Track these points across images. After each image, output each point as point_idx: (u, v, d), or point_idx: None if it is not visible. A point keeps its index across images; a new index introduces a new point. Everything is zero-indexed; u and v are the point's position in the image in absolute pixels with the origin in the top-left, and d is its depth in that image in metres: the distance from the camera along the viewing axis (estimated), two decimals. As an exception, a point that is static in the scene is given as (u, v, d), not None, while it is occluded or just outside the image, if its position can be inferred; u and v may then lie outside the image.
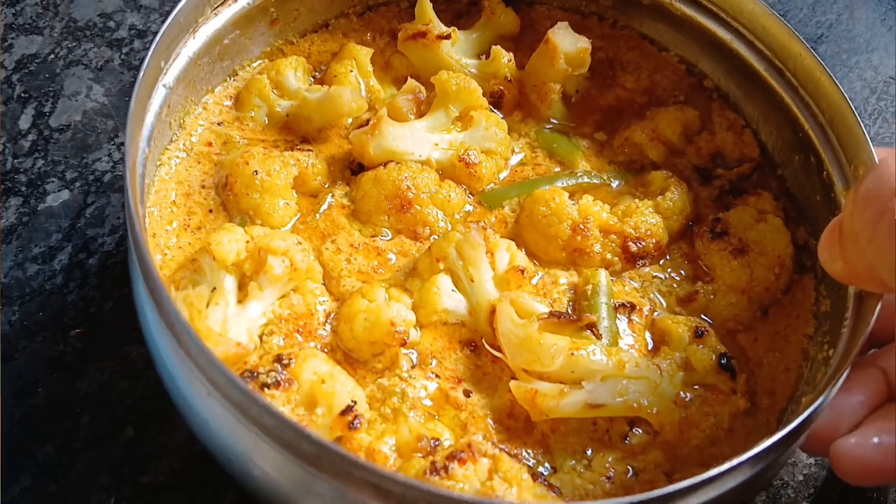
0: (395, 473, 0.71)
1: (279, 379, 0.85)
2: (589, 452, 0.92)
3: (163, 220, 1.01)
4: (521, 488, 0.82)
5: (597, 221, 1.04)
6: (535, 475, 0.86)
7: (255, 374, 0.85)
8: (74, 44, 1.26)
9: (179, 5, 0.98)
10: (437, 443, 0.87)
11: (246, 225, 0.99)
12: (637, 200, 1.08)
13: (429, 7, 1.18)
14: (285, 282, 0.95)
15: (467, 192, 1.09)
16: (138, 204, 0.84)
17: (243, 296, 0.93)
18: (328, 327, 0.96)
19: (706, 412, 0.93)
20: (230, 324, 0.90)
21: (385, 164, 1.04)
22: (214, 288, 0.92)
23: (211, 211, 1.03)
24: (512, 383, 0.91)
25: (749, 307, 1.02)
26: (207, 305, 0.90)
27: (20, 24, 1.23)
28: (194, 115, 1.09)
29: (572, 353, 0.90)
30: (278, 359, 0.87)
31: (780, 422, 0.96)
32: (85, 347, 1.01)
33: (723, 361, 0.95)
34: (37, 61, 1.24)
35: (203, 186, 1.05)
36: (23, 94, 1.20)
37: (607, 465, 0.90)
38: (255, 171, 1.01)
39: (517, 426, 0.93)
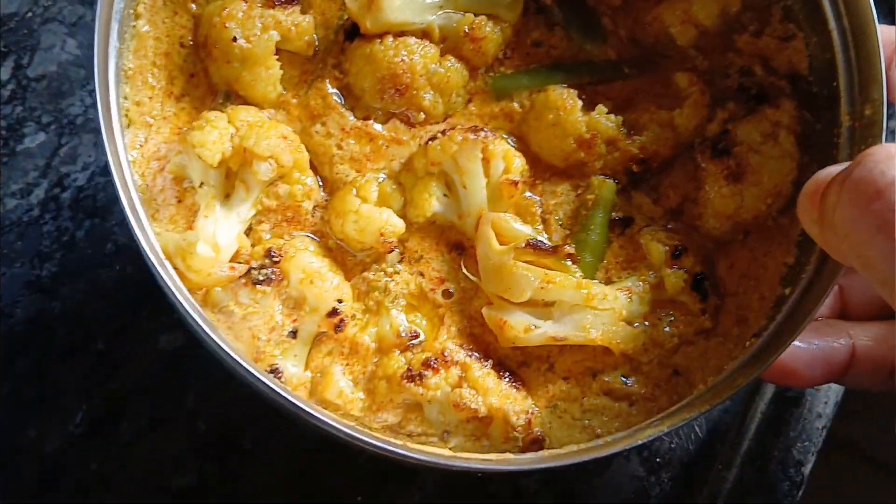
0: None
1: (270, 276, 0.87)
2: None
3: (144, 86, 0.92)
4: (486, 394, 0.87)
5: (604, 136, 0.96)
6: (500, 376, 0.90)
7: (248, 269, 0.87)
8: (50, 2, 1.35)
9: None
10: (415, 336, 0.91)
11: (230, 100, 0.94)
12: (652, 110, 0.98)
13: None
14: (273, 177, 0.91)
15: (467, 68, 0.98)
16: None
17: (230, 187, 0.90)
18: (318, 215, 0.94)
19: (671, 333, 0.92)
20: (219, 228, 0.88)
21: (381, 37, 0.94)
22: (202, 183, 0.88)
23: (192, 76, 0.95)
24: (484, 310, 0.91)
25: (732, 230, 0.96)
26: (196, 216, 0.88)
27: (1, -15, 1.32)
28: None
29: (542, 287, 0.89)
30: (268, 254, 0.88)
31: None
32: (60, 272, 1.10)
33: (697, 279, 0.93)
34: (16, 19, 1.33)
35: (182, 45, 0.95)
36: (3, 49, 1.27)
37: (572, 364, 0.92)
38: (234, 38, 0.91)
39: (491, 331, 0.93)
